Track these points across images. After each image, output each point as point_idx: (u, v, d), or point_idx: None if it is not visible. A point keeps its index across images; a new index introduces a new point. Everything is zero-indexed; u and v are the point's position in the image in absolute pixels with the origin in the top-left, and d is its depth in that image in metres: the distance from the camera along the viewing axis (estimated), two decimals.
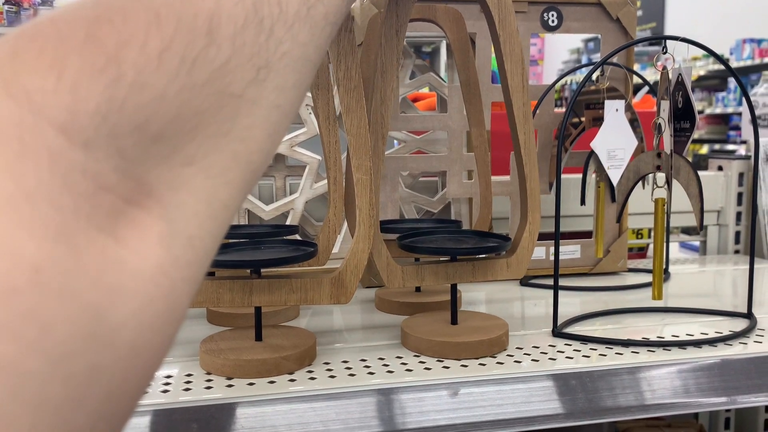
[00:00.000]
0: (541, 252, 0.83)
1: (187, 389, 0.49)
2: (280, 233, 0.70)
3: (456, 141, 0.80)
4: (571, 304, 0.73)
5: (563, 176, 0.85)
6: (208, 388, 0.49)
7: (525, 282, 0.81)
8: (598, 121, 0.77)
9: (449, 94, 0.80)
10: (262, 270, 0.55)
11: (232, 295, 0.54)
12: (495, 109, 0.85)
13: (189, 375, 0.52)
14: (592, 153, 0.80)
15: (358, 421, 0.48)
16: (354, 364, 0.54)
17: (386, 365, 0.54)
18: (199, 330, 0.65)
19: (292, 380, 0.51)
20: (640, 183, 0.70)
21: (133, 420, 0.45)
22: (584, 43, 6.07)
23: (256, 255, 0.57)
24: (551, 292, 0.79)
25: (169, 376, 0.52)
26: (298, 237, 0.78)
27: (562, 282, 0.82)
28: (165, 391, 0.49)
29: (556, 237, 0.60)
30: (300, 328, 0.60)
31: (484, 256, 0.58)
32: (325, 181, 0.85)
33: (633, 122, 0.74)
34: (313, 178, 0.84)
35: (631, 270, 0.89)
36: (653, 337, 0.61)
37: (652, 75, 4.36)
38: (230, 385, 0.50)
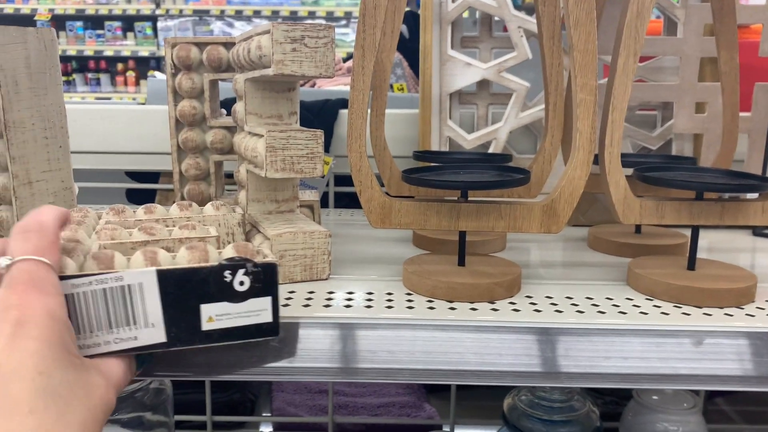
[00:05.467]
0: None
1: (390, 306, 0.49)
2: (491, 161, 0.67)
3: (690, 69, 0.71)
4: None
5: None
6: (418, 308, 0.49)
7: (758, 231, 0.72)
8: None
9: (687, 14, 0.71)
10: (469, 195, 0.53)
11: (439, 218, 0.53)
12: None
13: (390, 294, 0.52)
14: None
15: (588, 359, 0.45)
16: (581, 302, 0.50)
17: (616, 305, 0.50)
18: (398, 251, 0.65)
19: (516, 310, 0.49)
20: None
21: (334, 332, 0.46)
22: None
23: (463, 177, 0.55)
24: None
25: (371, 293, 0.52)
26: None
27: None
28: (368, 307, 0.49)
29: None
30: (501, 257, 0.57)
31: (730, 196, 0.51)
32: (531, 110, 0.80)
33: None
34: (519, 106, 0.79)
35: None
36: None
37: None
38: (431, 308, 0.48)
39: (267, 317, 0.41)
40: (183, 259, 0.40)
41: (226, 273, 0.39)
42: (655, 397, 0.78)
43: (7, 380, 0.31)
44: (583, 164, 0.50)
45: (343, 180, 0.92)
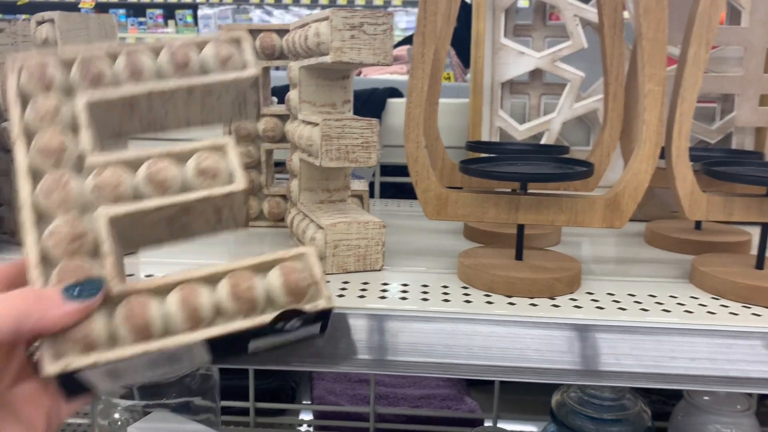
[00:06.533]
0: None
1: (447, 300, 0.48)
2: (548, 152, 0.65)
3: (755, 59, 0.68)
4: None
5: None
6: (482, 302, 0.48)
7: None
8: None
9: (753, 3, 0.68)
10: (528, 188, 0.51)
11: (497, 210, 0.51)
12: None
13: (446, 287, 0.51)
14: None
15: (653, 359, 0.44)
16: (644, 299, 0.49)
17: (681, 304, 0.48)
18: (449, 243, 0.64)
19: (577, 306, 0.47)
20: None
21: (386, 324, 0.45)
22: None
23: (523, 169, 0.53)
24: None
25: (426, 285, 0.51)
26: None
27: None
28: (425, 300, 0.48)
29: None
30: (559, 252, 0.56)
31: None
32: (585, 101, 0.78)
33: None
34: (573, 97, 0.77)
35: None
36: None
37: None
38: (489, 302, 0.47)
39: (314, 331, 0.38)
40: (227, 305, 0.34)
41: (278, 324, 0.35)
42: (706, 398, 0.76)
43: None
44: (649, 157, 0.49)
45: (389, 170, 0.91)
